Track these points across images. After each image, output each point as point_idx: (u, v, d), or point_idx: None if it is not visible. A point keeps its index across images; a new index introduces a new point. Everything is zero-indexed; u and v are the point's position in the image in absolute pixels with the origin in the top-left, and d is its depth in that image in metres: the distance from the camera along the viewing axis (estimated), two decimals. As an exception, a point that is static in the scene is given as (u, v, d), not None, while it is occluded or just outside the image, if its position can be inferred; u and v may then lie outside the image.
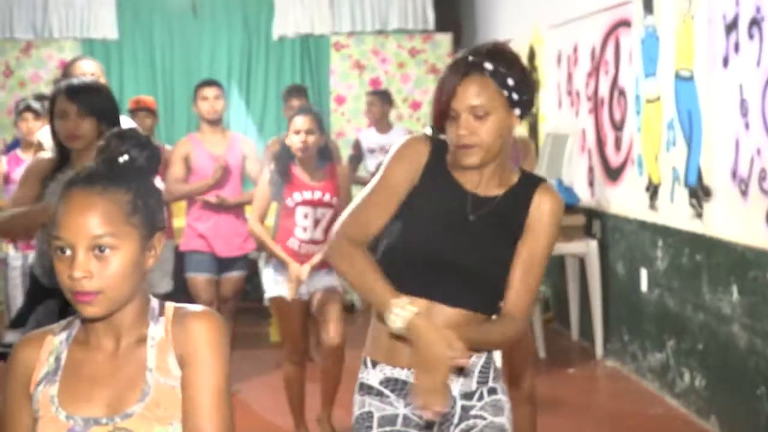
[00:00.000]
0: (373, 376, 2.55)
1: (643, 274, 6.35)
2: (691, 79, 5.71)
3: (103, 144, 1.97)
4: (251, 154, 6.29)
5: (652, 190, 6.25)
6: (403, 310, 2.36)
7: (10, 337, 3.96)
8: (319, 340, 5.50)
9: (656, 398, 6.13)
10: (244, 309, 6.79)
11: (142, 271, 1.89)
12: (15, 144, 7.30)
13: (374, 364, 2.55)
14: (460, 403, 2.53)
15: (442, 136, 2.59)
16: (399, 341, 2.48)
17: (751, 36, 5.01)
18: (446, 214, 2.52)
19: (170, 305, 1.96)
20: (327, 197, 5.13)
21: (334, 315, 5.23)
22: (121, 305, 1.87)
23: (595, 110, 7.19)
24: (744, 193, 5.09)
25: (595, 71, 7.16)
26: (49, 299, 3.72)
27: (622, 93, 6.79)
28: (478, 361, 2.54)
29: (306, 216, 5.11)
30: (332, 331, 5.22)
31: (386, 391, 2.53)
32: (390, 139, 8.14)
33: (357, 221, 2.54)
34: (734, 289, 5.24)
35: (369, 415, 2.54)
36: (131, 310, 1.91)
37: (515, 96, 2.47)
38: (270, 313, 7.04)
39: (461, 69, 2.48)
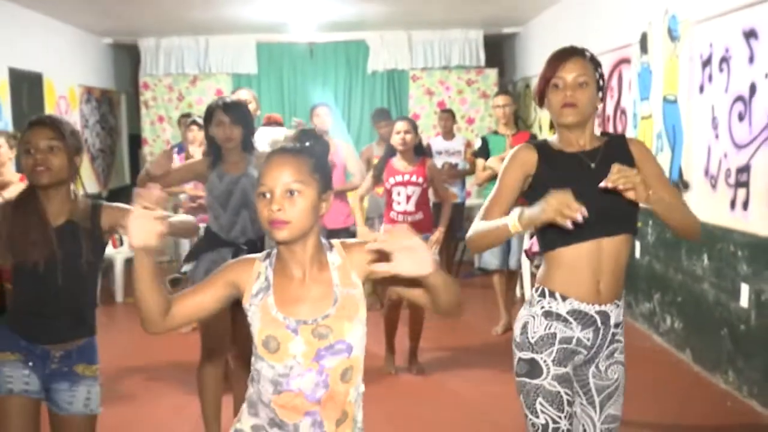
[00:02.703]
0: (561, 307, 2.46)
1: (637, 245, 6.29)
2: (675, 102, 5.64)
3: (291, 138, 2.10)
4: (352, 156, 6.36)
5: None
6: (511, 216, 2.32)
7: (184, 267, 4.02)
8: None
9: (645, 336, 6.08)
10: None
11: (317, 213, 1.96)
12: (177, 147, 7.33)
13: (564, 298, 2.46)
14: (612, 330, 2.52)
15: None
16: (587, 283, 2.44)
17: (721, 70, 4.95)
18: (575, 174, 2.45)
19: (334, 241, 2.06)
20: (414, 178, 5.18)
21: None
22: (301, 236, 1.94)
23: (603, 125, 7.11)
24: (714, 186, 5.04)
25: (603, 95, 7.08)
26: (223, 248, 3.80)
27: (623, 112, 6.72)
28: (620, 302, 2.54)
29: (399, 194, 5.19)
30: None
31: (570, 319, 2.46)
32: (453, 144, 8.15)
33: (484, 214, 2.51)
34: (705, 257, 5.18)
35: (553, 335, 2.46)
36: (311, 246, 1.98)
37: (601, 83, 2.50)
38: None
39: (569, 51, 2.47)
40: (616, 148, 2.52)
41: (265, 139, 4.46)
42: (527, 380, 2.49)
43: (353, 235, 6.63)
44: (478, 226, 2.47)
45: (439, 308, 1.98)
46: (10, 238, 2.66)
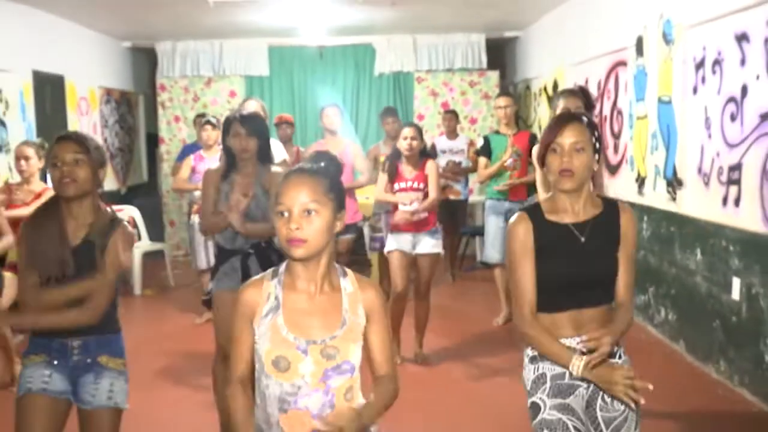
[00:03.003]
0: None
1: (633, 240, 6.27)
2: (669, 102, 5.61)
3: (307, 159, 2.09)
4: (359, 155, 6.33)
5: (640, 181, 6.15)
6: (578, 361, 2.31)
7: (209, 287, 4.02)
8: (415, 287, 5.49)
9: (641, 327, 6.05)
10: (353, 260, 6.85)
11: (332, 232, 1.96)
12: (193, 146, 7.33)
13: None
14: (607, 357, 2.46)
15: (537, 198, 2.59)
16: (561, 321, 2.43)
17: (714, 72, 4.92)
18: (565, 247, 2.43)
19: (347, 269, 2.07)
20: (416, 184, 5.19)
21: (428, 273, 5.31)
22: (316, 253, 1.94)
23: (600, 125, 7.08)
24: (706, 184, 5.01)
25: (600, 97, 7.05)
26: (232, 257, 3.79)
27: (619, 112, 6.69)
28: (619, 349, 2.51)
29: (403, 198, 5.19)
30: (423, 284, 5.35)
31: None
32: (456, 143, 8.13)
33: (522, 300, 2.44)
34: (698, 252, 5.16)
35: (543, 375, 2.44)
36: (324, 264, 1.98)
37: (597, 145, 2.46)
38: (370, 263, 7.10)
39: (567, 117, 2.45)
40: (607, 220, 2.48)
41: (275, 153, 4.45)
42: (533, 421, 2.47)
43: (360, 230, 6.62)
44: (536, 334, 2.42)
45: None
46: (30, 252, 2.67)
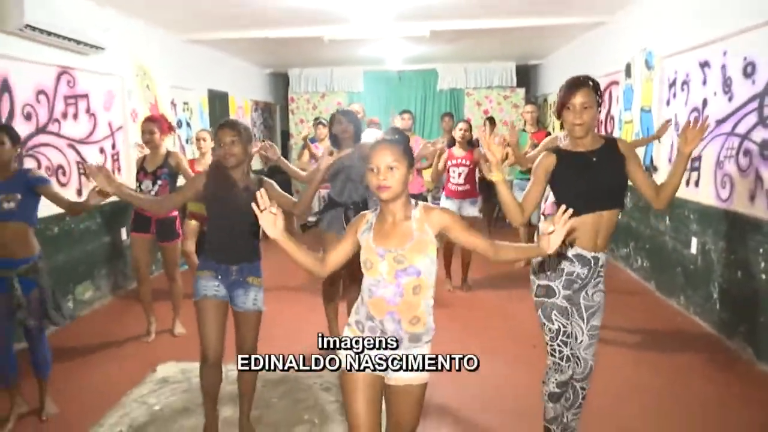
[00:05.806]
0: (570, 251, 2.42)
1: (619, 209, 6.10)
2: (649, 111, 5.40)
3: (387, 132, 2.10)
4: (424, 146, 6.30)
5: (626, 167, 5.96)
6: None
7: (311, 218, 4.04)
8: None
9: (623, 272, 5.92)
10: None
11: (407, 181, 1.97)
12: (311, 140, 7.40)
13: (572, 245, 2.40)
14: (599, 269, 2.46)
15: (560, 143, 2.52)
16: (590, 239, 2.35)
17: (682, 89, 4.71)
18: (583, 166, 2.39)
19: (418, 202, 2.05)
20: (465, 161, 5.17)
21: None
22: (396, 196, 1.96)
23: (598, 128, 6.86)
24: (674, 170, 4.82)
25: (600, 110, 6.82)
26: (338, 208, 3.85)
27: (612, 118, 6.47)
28: (607, 251, 2.47)
29: (454, 172, 5.19)
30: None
31: (575, 260, 2.41)
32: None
33: (526, 195, 2.43)
34: (667, 218, 5.00)
35: (562, 269, 2.42)
36: (401, 203, 2.00)
37: (599, 102, 2.41)
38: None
39: (578, 82, 2.38)
40: (610, 148, 2.42)
41: (368, 137, 4.51)
42: (545, 299, 2.45)
43: (425, 199, 6.63)
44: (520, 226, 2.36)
45: (501, 259, 2.06)
46: (214, 193, 2.73)
